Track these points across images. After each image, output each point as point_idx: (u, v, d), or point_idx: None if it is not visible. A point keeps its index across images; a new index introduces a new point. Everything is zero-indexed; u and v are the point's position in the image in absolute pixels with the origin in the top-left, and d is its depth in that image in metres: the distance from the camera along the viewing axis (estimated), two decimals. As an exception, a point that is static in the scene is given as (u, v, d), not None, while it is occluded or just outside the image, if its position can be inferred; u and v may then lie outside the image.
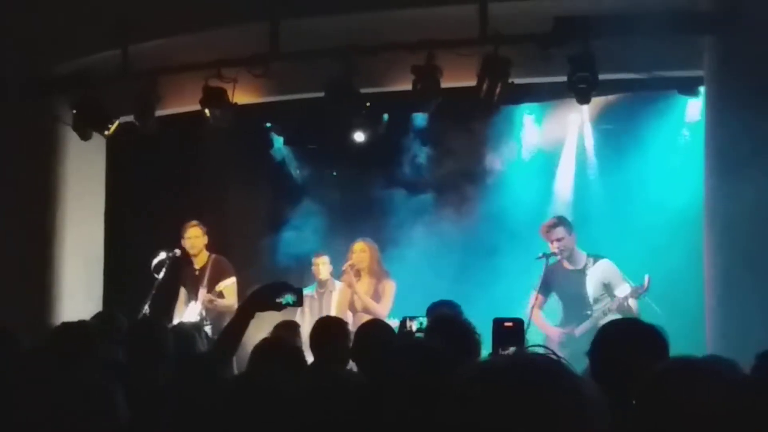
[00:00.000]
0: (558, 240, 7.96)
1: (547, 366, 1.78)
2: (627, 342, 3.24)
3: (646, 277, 7.59)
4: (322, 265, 9.26)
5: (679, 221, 8.21)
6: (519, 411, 1.69)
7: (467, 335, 4.34)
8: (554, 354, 1.85)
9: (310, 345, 5.21)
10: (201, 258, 8.93)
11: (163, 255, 8.61)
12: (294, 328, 6.79)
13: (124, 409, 2.82)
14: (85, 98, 8.27)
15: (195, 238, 8.87)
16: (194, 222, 8.93)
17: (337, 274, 9.16)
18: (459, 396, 1.77)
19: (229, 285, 8.74)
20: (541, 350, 1.86)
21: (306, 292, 9.17)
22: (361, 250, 8.81)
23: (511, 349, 4.26)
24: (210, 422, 2.74)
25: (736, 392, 2.54)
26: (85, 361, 4.14)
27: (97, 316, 5.97)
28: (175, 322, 8.25)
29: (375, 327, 5.37)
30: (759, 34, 6.38)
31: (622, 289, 7.77)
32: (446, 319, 4.77)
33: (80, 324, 4.89)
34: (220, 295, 8.68)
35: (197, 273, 8.90)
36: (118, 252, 9.41)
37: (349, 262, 8.78)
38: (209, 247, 9.00)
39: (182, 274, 9.01)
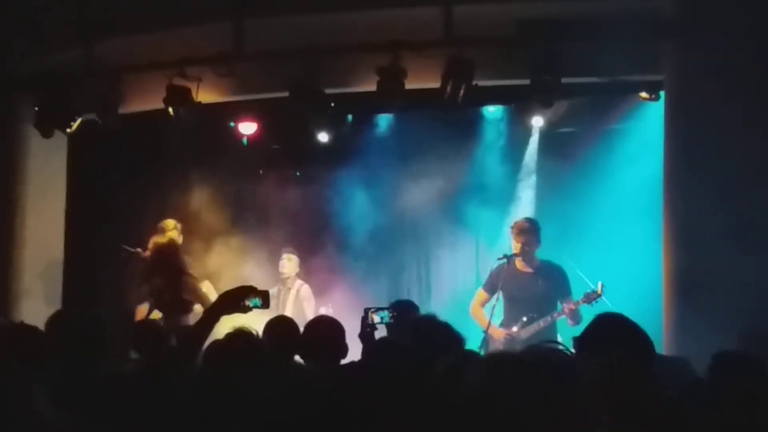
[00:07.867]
0: (526, 243, 7.92)
1: (560, 359, 1.87)
2: (619, 337, 3.25)
3: (599, 283, 7.60)
4: (290, 261, 9.31)
5: (638, 224, 8.32)
6: (533, 401, 1.77)
7: (450, 336, 4.44)
8: (567, 349, 1.93)
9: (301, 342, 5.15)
10: None
11: (138, 250, 8.53)
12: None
13: (45, 404, 2.79)
14: (47, 96, 8.19)
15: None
16: (169, 221, 8.75)
17: None
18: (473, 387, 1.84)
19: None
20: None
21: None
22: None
23: None
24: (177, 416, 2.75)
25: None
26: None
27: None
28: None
29: (326, 323, 5.40)
30: (718, 41, 6.50)
31: (571, 298, 7.73)
32: (428, 319, 4.85)
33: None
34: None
35: None
36: (78, 250, 9.31)
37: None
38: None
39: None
